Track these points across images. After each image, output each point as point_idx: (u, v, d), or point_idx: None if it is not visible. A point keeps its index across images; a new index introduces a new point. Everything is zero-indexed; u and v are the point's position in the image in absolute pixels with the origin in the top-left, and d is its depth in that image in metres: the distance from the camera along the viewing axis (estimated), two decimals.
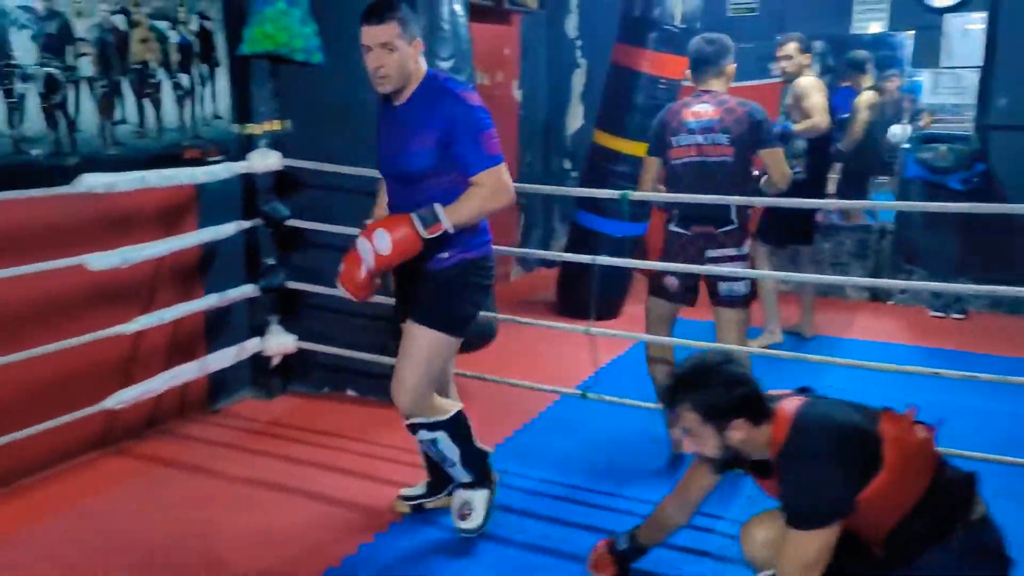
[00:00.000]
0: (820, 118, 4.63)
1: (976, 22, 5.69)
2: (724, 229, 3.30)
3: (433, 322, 2.67)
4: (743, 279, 3.37)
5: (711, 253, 3.32)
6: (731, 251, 3.32)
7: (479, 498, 2.92)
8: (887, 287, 6.04)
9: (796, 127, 4.68)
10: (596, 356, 3.57)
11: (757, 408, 2.13)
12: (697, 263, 3.31)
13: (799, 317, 5.19)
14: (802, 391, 2.23)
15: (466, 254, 2.67)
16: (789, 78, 4.79)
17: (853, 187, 5.99)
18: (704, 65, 3.40)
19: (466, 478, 2.91)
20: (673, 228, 3.40)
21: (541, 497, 3.27)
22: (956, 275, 5.75)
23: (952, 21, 5.71)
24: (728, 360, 2.21)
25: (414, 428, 2.79)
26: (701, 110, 3.33)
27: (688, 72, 3.60)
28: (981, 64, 5.69)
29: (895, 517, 2.08)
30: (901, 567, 2.12)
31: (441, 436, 2.81)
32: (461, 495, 2.93)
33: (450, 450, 2.83)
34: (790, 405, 2.13)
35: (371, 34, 2.51)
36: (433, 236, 2.54)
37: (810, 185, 4.64)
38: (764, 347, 4.39)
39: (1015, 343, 5.19)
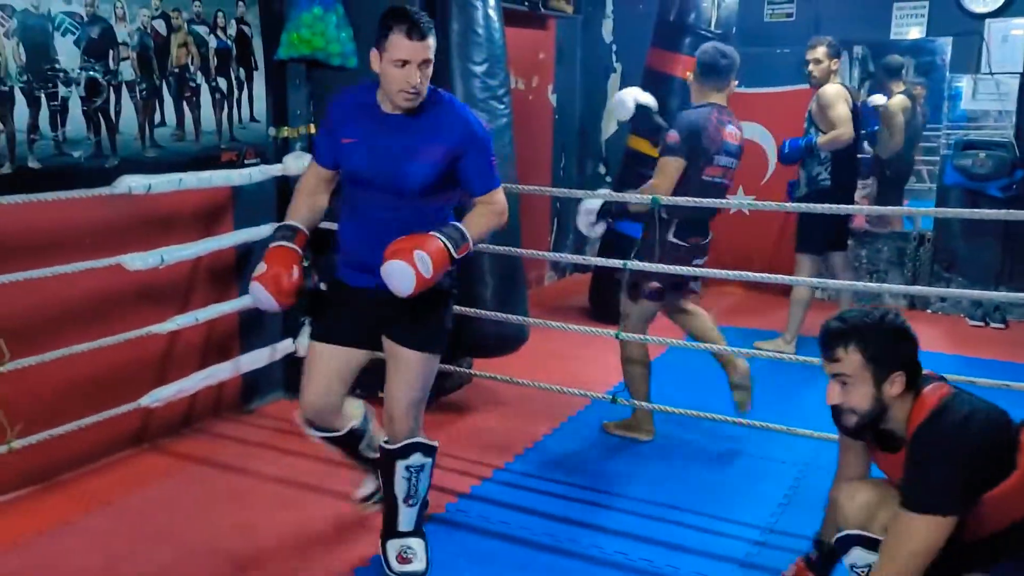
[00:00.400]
0: (844, 129, 4.59)
1: (1018, 27, 5.60)
2: (707, 240, 3.65)
3: (428, 346, 2.60)
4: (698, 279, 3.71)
5: (697, 261, 3.60)
6: (706, 258, 3.71)
7: (417, 544, 2.72)
8: (925, 295, 5.96)
9: (820, 141, 4.64)
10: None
11: (914, 371, 2.08)
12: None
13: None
14: (942, 379, 2.17)
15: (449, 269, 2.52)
16: (817, 83, 4.75)
17: (890, 193, 5.92)
18: (715, 76, 3.49)
19: (411, 525, 2.70)
20: (672, 239, 3.51)
21: (571, 502, 3.26)
22: (996, 284, 5.65)
23: (993, 26, 5.62)
24: (897, 315, 2.14)
25: (407, 451, 2.64)
26: (733, 133, 3.50)
27: (692, 75, 3.63)
28: (1022, 71, 5.59)
29: (1007, 521, 2.01)
30: (990, 565, 2.06)
31: (429, 463, 2.70)
32: (399, 542, 2.70)
33: (425, 483, 2.71)
34: (939, 389, 2.08)
35: (415, 49, 2.36)
36: (461, 256, 2.43)
37: (835, 192, 4.59)
38: (768, 351, 4.30)
39: None
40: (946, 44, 5.87)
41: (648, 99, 3.70)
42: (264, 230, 3.89)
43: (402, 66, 2.36)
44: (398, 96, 2.40)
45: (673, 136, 3.47)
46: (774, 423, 3.37)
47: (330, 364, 2.65)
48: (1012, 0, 5.58)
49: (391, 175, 2.47)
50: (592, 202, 3.72)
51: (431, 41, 2.41)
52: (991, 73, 5.64)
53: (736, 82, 3.57)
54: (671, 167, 3.46)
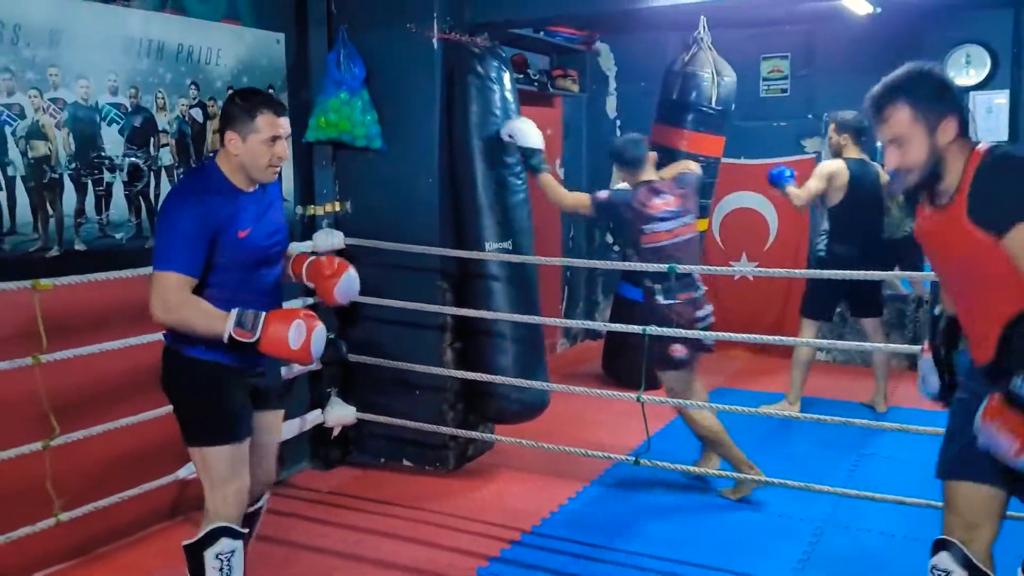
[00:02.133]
0: (796, 197, 4.84)
1: (1001, 98, 5.87)
2: (701, 292, 3.85)
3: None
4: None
5: (700, 313, 3.81)
6: (710, 308, 3.90)
7: None
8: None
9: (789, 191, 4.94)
10: (647, 423, 3.68)
11: (963, 118, 2.06)
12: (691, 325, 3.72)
13: (872, 392, 5.24)
14: None
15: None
16: (832, 156, 5.03)
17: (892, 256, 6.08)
18: (630, 165, 3.88)
19: None
20: (663, 302, 3.74)
21: (596, 563, 3.35)
22: None
23: (978, 98, 5.90)
24: (936, 67, 2.10)
25: (255, 514, 2.83)
26: (666, 201, 3.81)
27: (616, 166, 4.02)
28: (1006, 139, 5.86)
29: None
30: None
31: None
32: None
33: None
34: (982, 144, 2.08)
35: (283, 125, 2.51)
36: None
37: (831, 264, 4.77)
38: (770, 412, 4.39)
39: None
40: None
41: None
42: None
43: (273, 142, 2.48)
44: (267, 172, 2.52)
45: (603, 195, 3.87)
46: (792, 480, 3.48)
47: (245, 463, 2.61)
48: (995, 74, 5.86)
49: (276, 247, 2.64)
50: (527, 130, 4.07)
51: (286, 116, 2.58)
52: (978, 142, 5.90)
53: (655, 155, 3.94)
54: (583, 200, 3.91)
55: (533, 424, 4.20)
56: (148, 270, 3.30)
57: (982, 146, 2.07)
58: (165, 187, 3.64)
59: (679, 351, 3.74)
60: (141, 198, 3.58)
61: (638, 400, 3.57)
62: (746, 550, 3.45)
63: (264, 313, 2.44)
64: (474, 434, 4.19)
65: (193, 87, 3.73)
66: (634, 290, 4.80)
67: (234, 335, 2.39)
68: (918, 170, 2.07)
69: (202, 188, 2.48)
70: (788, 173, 4.93)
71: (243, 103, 2.49)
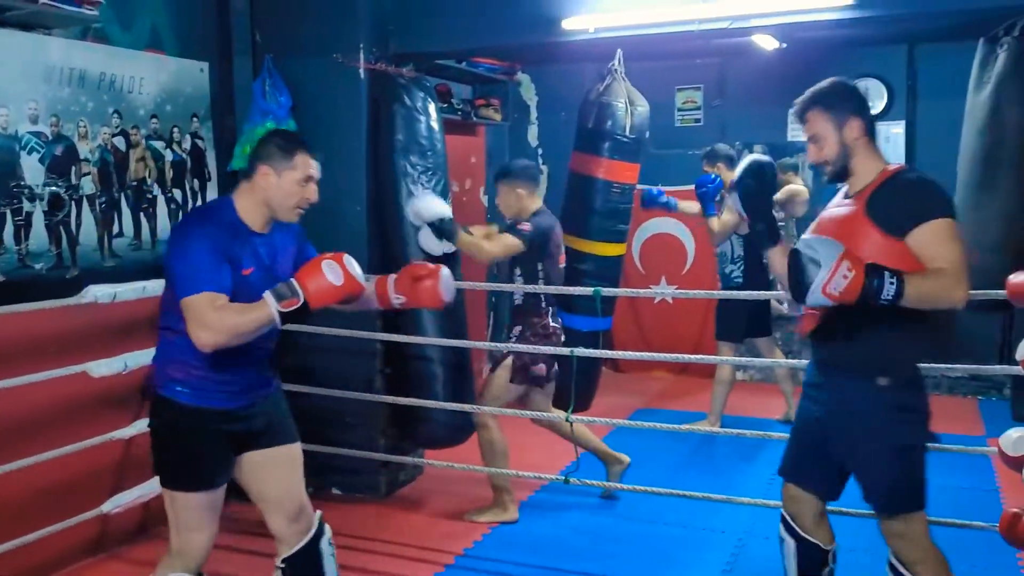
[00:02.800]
0: (712, 231, 5.17)
1: (897, 128, 6.24)
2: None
3: (297, 435, 2.70)
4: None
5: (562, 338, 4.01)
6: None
7: None
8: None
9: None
10: (576, 444, 3.78)
11: (869, 121, 2.42)
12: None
13: (783, 408, 5.45)
14: None
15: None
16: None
17: None
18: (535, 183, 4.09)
19: None
20: (552, 323, 3.95)
21: None
22: None
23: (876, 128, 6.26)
24: (846, 79, 2.51)
25: (318, 537, 2.69)
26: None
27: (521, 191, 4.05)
28: None
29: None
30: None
31: None
32: None
33: None
34: (900, 165, 2.46)
35: (316, 168, 2.53)
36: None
37: (747, 289, 4.99)
38: (693, 429, 4.55)
39: (957, 422, 5.52)
40: None
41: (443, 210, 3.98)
42: None
43: (307, 183, 2.49)
44: (292, 212, 2.50)
45: (526, 227, 3.90)
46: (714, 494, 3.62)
47: (216, 510, 2.56)
48: (891, 105, 6.23)
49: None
50: (427, 205, 3.94)
51: None
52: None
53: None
54: (511, 242, 3.86)
55: (464, 448, 4.25)
56: (68, 301, 3.29)
57: (898, 165, 2.42)
58: (87, 216, 3.61)
59: (540, 370, 3.89)
60: (62, 228, 3.53)
61: (567, 420, 3.66)
62: (673, 563, 3.56)
63: (292, 278, 2.34)
64: (405, 459, 4.22)
65: (116, 116, 3.70)
66: (565, 316, 4.94)
67: (283, 310, 2.29)
68: (832, 162, 2.43)
69: (214, 221, 2.42)
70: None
71: (283, 142, 2.49)
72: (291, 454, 2.65)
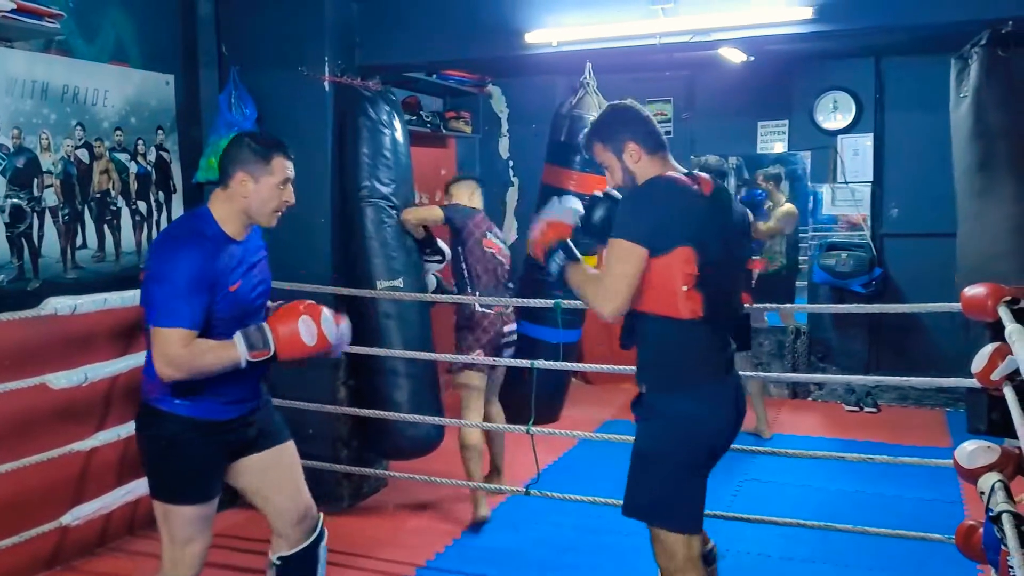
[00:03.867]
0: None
1: (867, 140, 6.31)
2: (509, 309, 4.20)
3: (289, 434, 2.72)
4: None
5: (507, 328, 4.17)
6: (515, 325, 4.27)
7: None
8: (803, 381, 6.47)
9: None
10: (537, 456, 3.79)
11: (648, 141, 2.43)
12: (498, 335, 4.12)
13: (755, 421, 5.47)
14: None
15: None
16: None
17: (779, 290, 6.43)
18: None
19: None
20: (480, 309, 4.09)
21: None
22: (866, 371, 6.17)
23: (845, 141, 6.33)
24: (619, 103, 2.55)
25: (319, 540, 2.71)
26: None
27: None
28: (871, 179, 6.29)
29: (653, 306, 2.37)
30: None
31: None
32: None
33: None
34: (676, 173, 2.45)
35: (292, 169, 2.50)
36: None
37: None
38: None
39: (923, 433, 5.58)
40: (805, 157, 6.55)
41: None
42: None
43: (284, 185, 2.46)
44: (272, 216, 2.48)
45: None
46: None
47: (209, 519, 2.54)
48: (860, 118, 6.31)
49: (260, 300, 2.55)
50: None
51: None
52: (846, 182, 6.33)
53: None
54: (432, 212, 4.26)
55: (427, 459, 4.26)
56: (27, 313, 3.28)
57: (647, 178, 2.43)
58: (49, 228, 3.60)
59: (479, 355, 4.01)
60: (24, 239, 3.52)
61: (527, 432, 3.68)
62: (636, 574, 3.57)
63: (265, 324, 2.34)
64: (368, 471, 4.22)
65: (79, 128, 3.70)
66: (533, 327, 4.96)
67: (251, 359, 2.30)
68: (626, 186, 2.49)
69: (198, 233, 2.39)
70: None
71: (258, 146, 2.45)
72: (288, 453, 2.66)
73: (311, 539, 2.66)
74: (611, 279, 2.32)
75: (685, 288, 2.30)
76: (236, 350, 2.30)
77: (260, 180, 2.43)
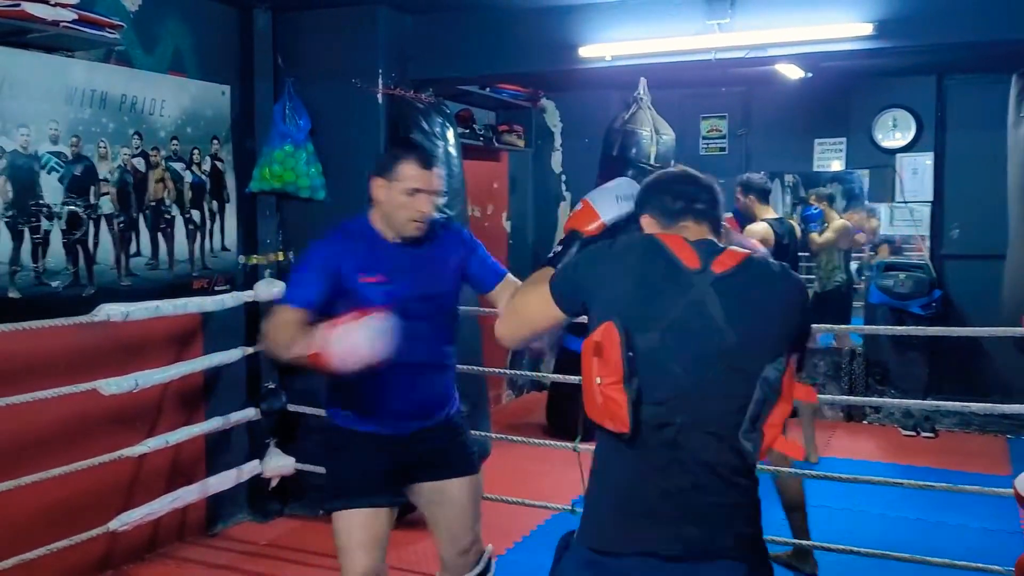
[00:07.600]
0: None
1: (927, 159, 6.16)
2: None
3: (476, 466, 2.69)
4: None
5: None
6: None
7: None
8: (860, 404, 6.30)
9: None
10: (583, 473, 3.72)
11: (663, 212, 1.97)
12: None
13: (803, 445, 5.34)
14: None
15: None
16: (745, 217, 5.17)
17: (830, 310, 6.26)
18: None
19: None
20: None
21: None
22: (924, 395, 5.98)
23: (904, 160, 6.18)
24: (662, 172, 2.15)
25: (483, 574, 2.73)
26: None
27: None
28: (931, 198, 6.13)
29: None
30: None
31: None
32: None
33: None
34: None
35: (429, 179, 2.46)
36: None
37: None
38: None
39: (984, 461, 5.38)
40: (863, 176, 6.40)
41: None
42: (233, 354, 4.03)
43: (413, 194, 2.44)
44: (408, 225, 2.46)
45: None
46: None
47: (376, 539, 2.52)
48: (920, 137, 6.15)
49: (429, 303, 2.51)
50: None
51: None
52: (904, 202, 6.17)
53: None
54: None
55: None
56: (81, 319, 3.32)
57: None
58: (105, 235, 3.65)
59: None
60: (79, 246, 3.57)
61: (575, 450, 3.61)
62: None
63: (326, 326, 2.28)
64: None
65: (136, 137, 3.76)
66: (577, 341, 4.91)
67: (305, 352, 2.27)
68: None
69: (342, 228, 2.55)
70: None
71: (393, 150, 2.55)
72: (464, 486, 2.61)
73: (475, 573, 2.68)
74: (515, 304, 2.08)
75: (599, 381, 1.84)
76: (303, 339, 2.30)
77: (391, 186, 2.46)
